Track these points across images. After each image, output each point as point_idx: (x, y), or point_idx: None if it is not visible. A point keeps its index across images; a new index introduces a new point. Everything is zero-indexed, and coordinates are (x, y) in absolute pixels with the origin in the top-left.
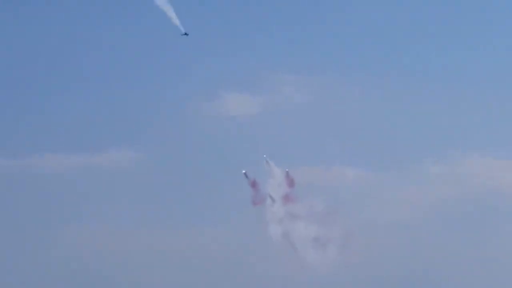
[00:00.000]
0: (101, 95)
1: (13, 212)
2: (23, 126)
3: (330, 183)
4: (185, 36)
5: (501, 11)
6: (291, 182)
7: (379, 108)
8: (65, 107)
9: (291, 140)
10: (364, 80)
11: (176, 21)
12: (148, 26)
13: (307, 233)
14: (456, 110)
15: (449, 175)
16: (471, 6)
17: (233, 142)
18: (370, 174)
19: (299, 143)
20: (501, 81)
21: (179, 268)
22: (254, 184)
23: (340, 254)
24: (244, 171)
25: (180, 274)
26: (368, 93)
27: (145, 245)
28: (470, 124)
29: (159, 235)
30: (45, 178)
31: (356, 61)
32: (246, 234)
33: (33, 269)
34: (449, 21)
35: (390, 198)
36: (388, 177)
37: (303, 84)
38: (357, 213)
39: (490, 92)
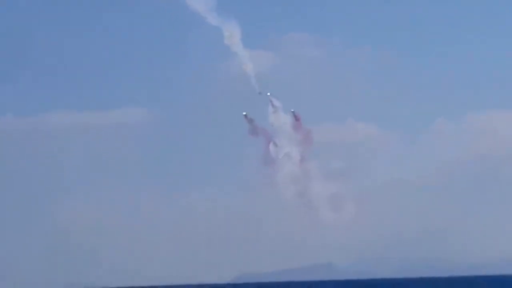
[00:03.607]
0: (115, 54)
1: (25, 166)
2: (36, 83)
3: (343, 139)
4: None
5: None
6: (308, 139)
7: (392, 64)
8: (78, 65)
9: (304, 96)
10: (376, 37)
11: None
12: None
13: (323, 191)
14: (466, 69)
15: (461, 132)
16: None
17: (245, 100)
18: (382, 130)
19: (312, 99)
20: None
21: (188, 229)
22: (269, 142)
23: (356, 212)
24: (244, 113)
25: (190, 235)
26: (381, 50)
27: (152, 204)
28: (484, 81)
29: (167, 195)
30: (57, 134)
31: (367, 20)
32: (259, 194)
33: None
34: None
35: (402, 155)
36: (399, 134)
37: (315, 42)
38: (371, 170)
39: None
